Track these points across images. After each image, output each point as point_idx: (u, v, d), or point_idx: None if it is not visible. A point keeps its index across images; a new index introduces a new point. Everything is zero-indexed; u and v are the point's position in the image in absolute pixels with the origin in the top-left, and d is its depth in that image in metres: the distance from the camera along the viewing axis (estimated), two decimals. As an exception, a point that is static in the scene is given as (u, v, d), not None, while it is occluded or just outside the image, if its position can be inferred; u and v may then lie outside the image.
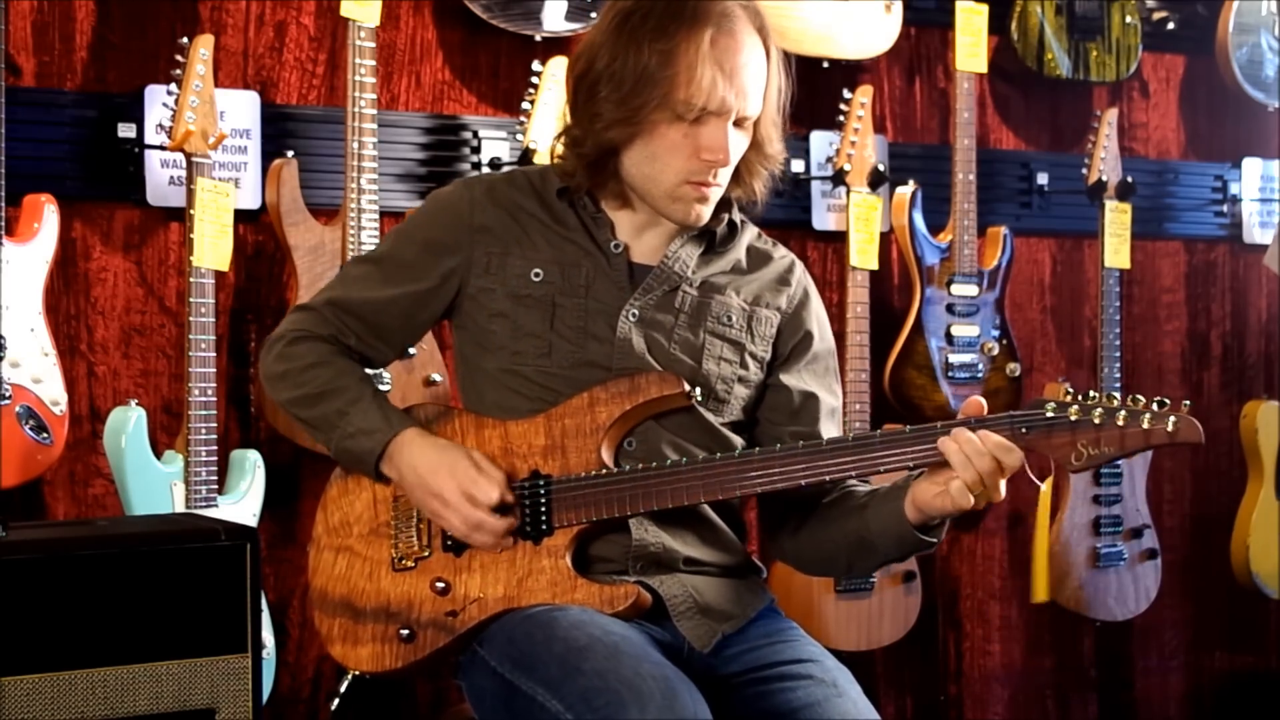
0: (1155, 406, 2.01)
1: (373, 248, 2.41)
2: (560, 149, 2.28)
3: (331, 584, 2.31)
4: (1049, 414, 2.05)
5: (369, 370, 2.37)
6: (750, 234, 2.39)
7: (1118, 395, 2.04)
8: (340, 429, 2.26)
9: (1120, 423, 2.01)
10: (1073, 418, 2.04)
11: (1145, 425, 2.00)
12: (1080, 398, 2.05)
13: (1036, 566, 2.06)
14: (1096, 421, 2.03)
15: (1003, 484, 2.08)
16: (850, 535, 2.22)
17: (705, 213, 2.24)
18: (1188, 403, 2.03)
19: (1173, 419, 1.99)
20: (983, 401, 2.11)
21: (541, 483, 2.21)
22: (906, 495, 2.14)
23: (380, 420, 2.25)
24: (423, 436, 2.24)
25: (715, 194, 2.24)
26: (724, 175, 2.23)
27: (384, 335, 2.33)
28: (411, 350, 3.26)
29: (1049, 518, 2.00)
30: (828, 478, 2.13)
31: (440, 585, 2.23)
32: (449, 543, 2.24)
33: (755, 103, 2.20)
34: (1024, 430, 2.06)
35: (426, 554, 2.25)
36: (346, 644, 2.28)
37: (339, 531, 2.31)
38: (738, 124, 2.19)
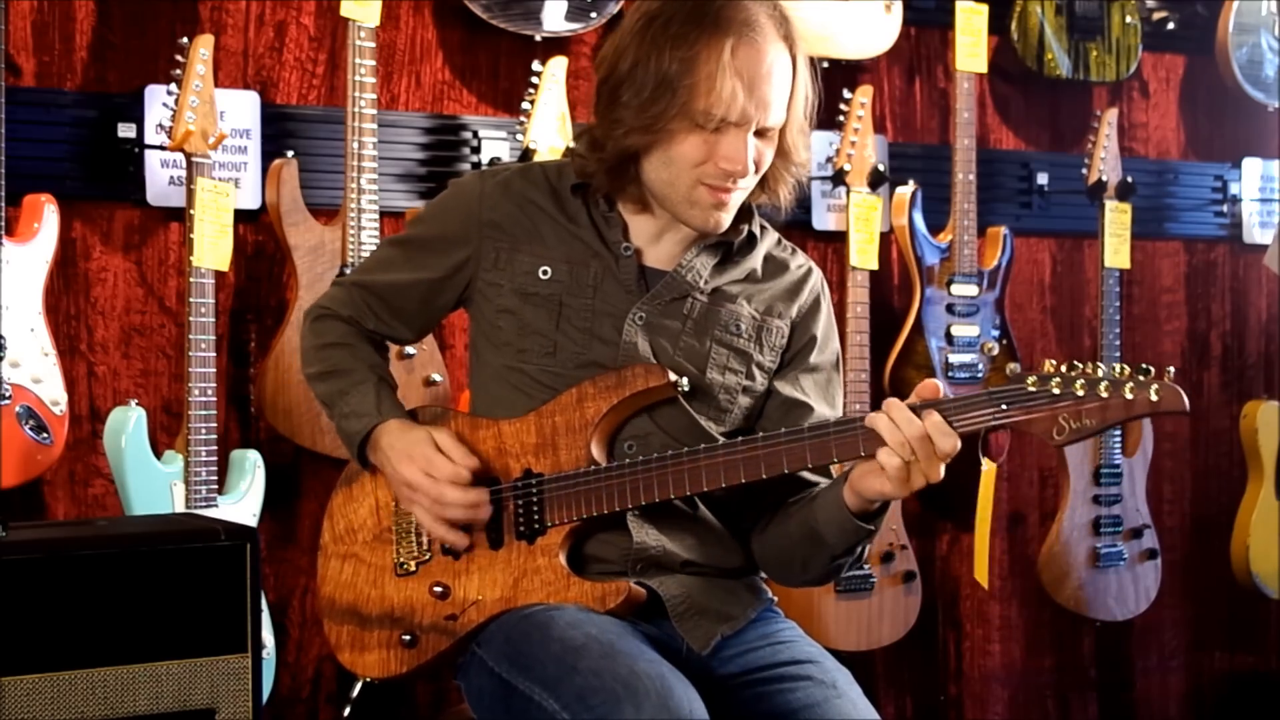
0: (1140, 375, 1.96)
1: (407, 226, 2.41)
2: (581, 148, 2.25)
3: (339, 591, 2.32)
4: (1030, 388, 2.00)
5: (397, 347, 2.39)
6: (769, 241, 2.35)
7: (1101, 365, 1.99)
8: (339, 408, 2.30)
9: (1103, 394, 1.96)
10: (1054, 391, 1.99)
11: (1128, 395, 1.95)
12: (1064, 369, 2.00)
13: (977, 549, 2.03)
14: (1079, 394, 1.98)
15: (940, 466, 2.03)
16: (803, 527, 2.20)
17: (725, 219, 2.21)
18: (1172, 369, 1.97)
19: (1155, 387, 1.94)
20: (938, 384, 2.07)
21: (534, 481, 2.21)
22: (846, 482, 2.12)
23: (371, 406, 2.27)
24: (401, 427, 2.25)
25: (736, 199, 2.20)
26: (745, 183, 2.19)
27: (403, 317, 2.36)
28: (411, 350, 3.27)
29: (990, 502, 1.96)
30: (810, 464, 2.11)
31: (439, 589, 2.23)
32: (446, 545, 2.25)
33: (778, 113, 2.16)
34: (1004, 406, 2.01)
35: (427, 558, 2.26)
36: (354, 651, 2.29)
37: (344, 539, 2.32)
38: (761, 133, 2.16)
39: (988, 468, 2.11)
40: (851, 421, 2.10)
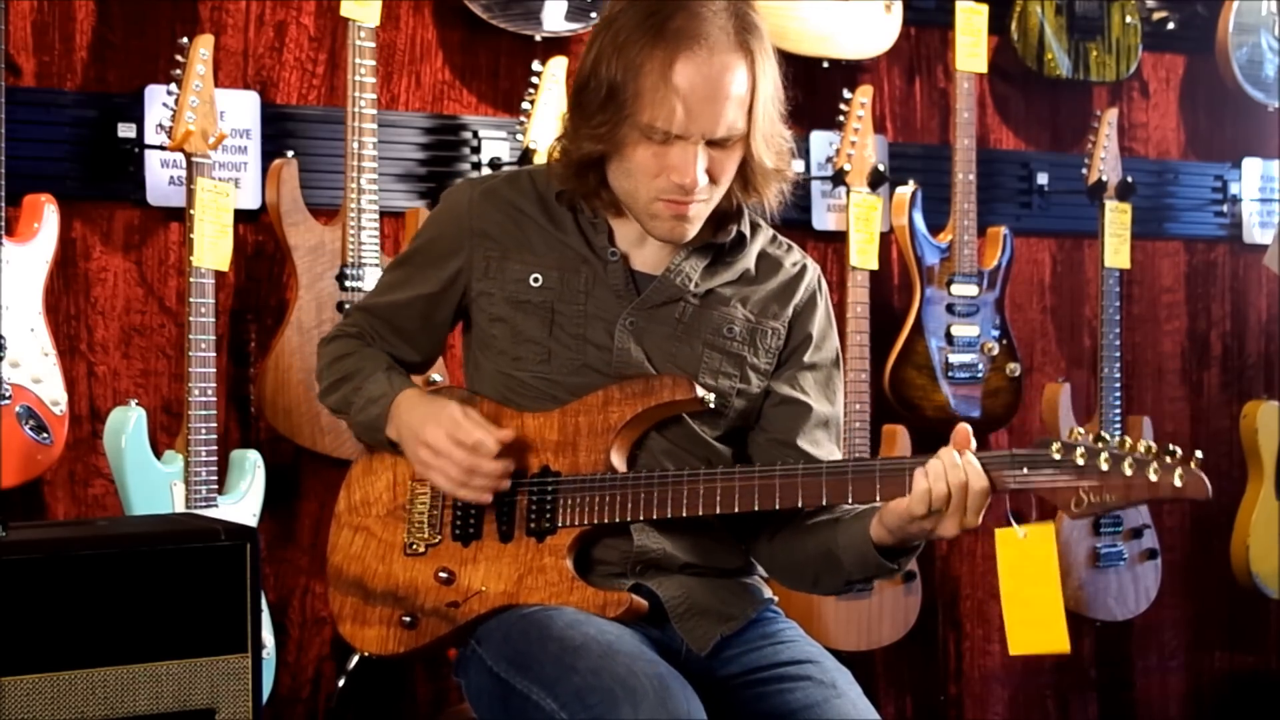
0: (1166, 457, 1.96)
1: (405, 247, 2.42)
2: (555, 151, 2.25)
3: (347, 562, 2.32)
4: (1054, 455, 2.00)
5: (418, 370, 2.39)
6: (763, 238, 2.33)
7: (1128, 439, 1.98)
8: (356, 404, 2.29)
9: (1127, 472, 1.96)
10: (1079, 462, 1.98)
11: (1152, 477, 1.96)
12: (1090, 439, 1.99)
13: (1051, 616, 2.00)
14: (1103, 469, 1.97)
15: (958, 525, 2.03)
16: (821, 547, 2.20)
17: (688, 230, 2.19)
18: (1199, 454, 1.97)
19: (1180, 472, 1.94)
20: (968, 429, 2.06)
21: (550, 480, 2.21)
22: (876, 514, 2.11)
23: (385, 386, 2.26)
24: (418, 394, 2.25)
25: (699, 210, 2.17)
26: (706, 194, 2.15)
27: (406, 337, 2.35)
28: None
29: (1054, 566, 1.94)
30: (825, 502, 2.12)
31: (444, 575, 2.24)
32: (457, 531, 2.25)
33: (730, 125, 2.10)
34: (1025, 470, 2.02)
35: (437, 540, 2.26)
36: (355, 623, 2.29)
37: (359, 510, 2.32)
38: (718, 144, 2.12)
39: (1024, 534, 2.10)
40: (870, 464, 2.10)
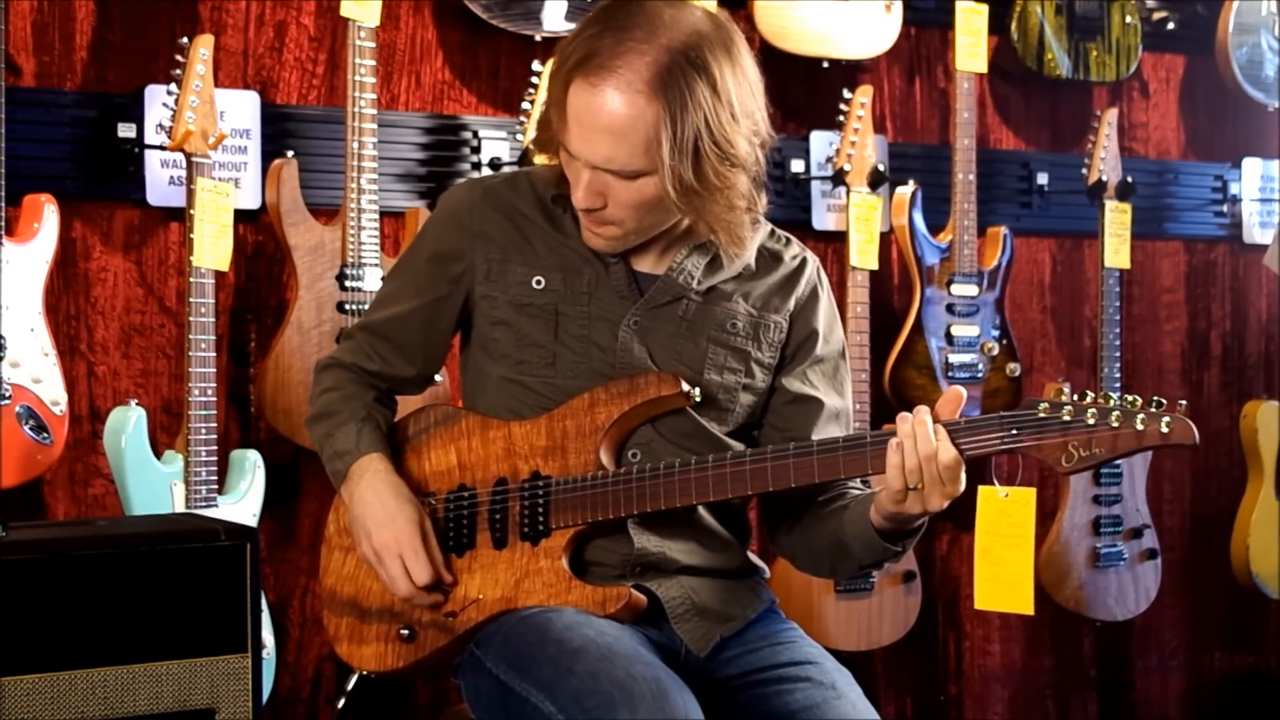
0: (1151, 407, 1.98)
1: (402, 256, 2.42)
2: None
3: (340, 583, 2.32)
4: (1041, 414, 2.02)
5: (416, 386, 2.39)
6: (762, 233, 2.32)
7: (1114, 395, 2.01)
8: (326, 450, 2.29)
9: (1114, 424, 1.98)
10: (1065, 418, 2.00)
11: (1139, 426, 1.97)
12: (1075, 397, 2.02)
13: (1020, 577, 2.04)
14: (1090, 422, 1.99)
15: (943, 497, 2.03)
16: (832, 535, 2.21)
17: (603, 245, 2.20)
18: (1184, 403, 1.99)
19: (1167, 419, 1.96)
20: (963, 391, 2.07)
21: (541, 484, 2.21)
22: (874, 500, 2.12)
23: (352, 444, 2.25)
24: (382, 476, 2.23)
25: (611, 232, 2.18)
26: (613, 217, 2.14)
27: (408, 352, 2.33)
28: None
29: (1030, 527, 1.98)
30: (818, 479, 2.12)
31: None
32: (450, 542, 2.25)
33: (610, 160, 2.08)
34: (1014, 431, 2.02)
35: None
36: (352, 643, 2.30)
37: (349, 531, 2.32)
38: (615, 174, 2.10)
39: (1006, 494, 2.12)
40: (860, 438, 2.10)
